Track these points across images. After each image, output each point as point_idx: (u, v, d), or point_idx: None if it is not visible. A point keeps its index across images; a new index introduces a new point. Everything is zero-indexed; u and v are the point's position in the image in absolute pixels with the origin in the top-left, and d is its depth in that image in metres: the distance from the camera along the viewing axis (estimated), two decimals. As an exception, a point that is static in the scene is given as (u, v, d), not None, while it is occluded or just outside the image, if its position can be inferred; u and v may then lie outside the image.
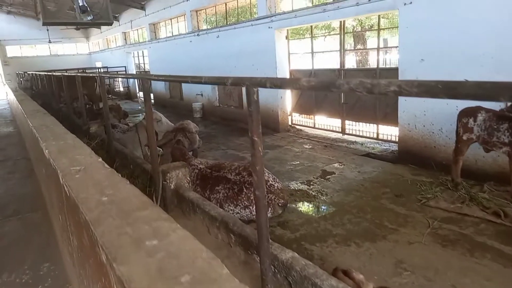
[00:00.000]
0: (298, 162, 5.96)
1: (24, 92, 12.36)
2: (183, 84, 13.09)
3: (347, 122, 7.47)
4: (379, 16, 6.48)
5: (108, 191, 1.85)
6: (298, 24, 7.67)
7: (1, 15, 23.39)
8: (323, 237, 3.52)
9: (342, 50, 7.26)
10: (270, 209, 3.90)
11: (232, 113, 10.55)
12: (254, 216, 3.95)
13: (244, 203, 3.84)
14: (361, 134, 7.22)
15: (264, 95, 8.95)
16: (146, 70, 17.38)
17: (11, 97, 13.02)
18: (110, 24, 9.23)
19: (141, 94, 18.69)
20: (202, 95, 11.92)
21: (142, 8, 15.21)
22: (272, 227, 3.80)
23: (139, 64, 18.59)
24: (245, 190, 3.84)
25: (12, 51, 24.46)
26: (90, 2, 8.88)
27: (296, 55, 8.88)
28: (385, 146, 6.74)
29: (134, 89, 18.95)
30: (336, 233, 3.59)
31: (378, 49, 6.53)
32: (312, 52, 8.11)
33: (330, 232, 3.61)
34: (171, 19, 14.16)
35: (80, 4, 8.48)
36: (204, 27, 12.20)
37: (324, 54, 8.81)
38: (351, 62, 11.89)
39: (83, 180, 2.11)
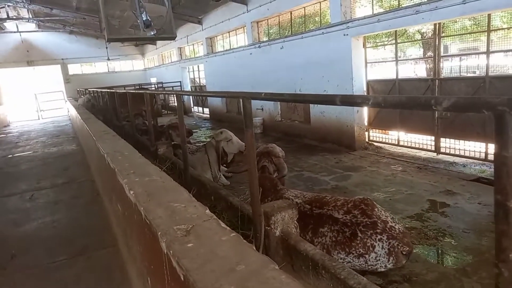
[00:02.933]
0: (394, 189, 5.03)
1: (85, 108, 12.44)
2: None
3: (442, 139, 6.42)
4: (489, 15, 5.43)
5: (257, 286, 1.14)
6: (381, 29, 6.81)
7: (64, 35, 24.62)
8: (478, 305, 2.60)
9: (437, 56, 6.27)
10: (392, 258, 3.04)
11: (296, 128, 9.78)
12: (369, 267, 3.10)
13: (359, 251, 3.02)
14: (461, 153, 6.13)
15: (337, 109, 8.10)
16: (202, 84, 17.18)
17: (73, 113, 13.22)
18: (173, 38, 8.89)
19: (195, 109, 18.54)
20: (262, 109, 11.30)
21: (199, 22, 15.03)
22: (397, 283, 2.93)
23: (194, 78, 18.48)
24: (359, 235, 3.01)
25: (73, 69, 25.61)
26: (153, 17, 8.62)
27: (377, 64, 7.97)
28: (495, 168, 5.62)
29: (190, 103, 18.84)
30: (493, 299, 2.66)
31: (488, 52, 5.46)
32: (397, 60, 7.17)
33: (484, 296, 2.69)
34: (229, 32, 13.80)
35: (144, 18, 8.21)
36: (265, 38, 11.64)
37: (406, 63, 7.81)
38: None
39: (202, 255, 1.36)
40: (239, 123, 11.87)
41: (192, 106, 18.88)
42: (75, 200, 5.27)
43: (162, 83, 21.14)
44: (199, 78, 17.80)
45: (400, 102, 1.30)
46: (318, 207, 3.25)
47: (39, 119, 21.19)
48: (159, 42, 21.84)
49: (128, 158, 3.23)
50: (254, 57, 11.51)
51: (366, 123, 7.88)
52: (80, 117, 8.45)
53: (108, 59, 24.93)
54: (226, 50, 13.83)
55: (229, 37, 14.19)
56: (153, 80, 24.46)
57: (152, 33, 8.92)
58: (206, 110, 16.64)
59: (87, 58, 25.35)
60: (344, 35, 7.58)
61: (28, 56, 23.85)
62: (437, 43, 6.26)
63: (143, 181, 2.40)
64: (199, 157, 5.90)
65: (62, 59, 24.78)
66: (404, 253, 3.02)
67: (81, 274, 3.24)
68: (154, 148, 5.68)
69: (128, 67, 27.06)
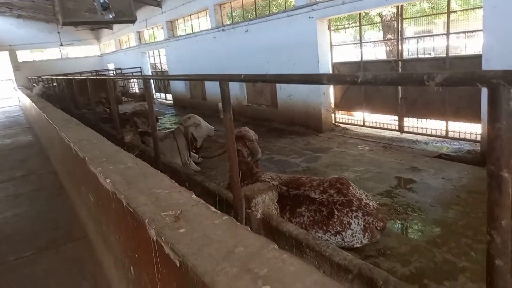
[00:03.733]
0: (363, 168, 5.18)
1: (41, 97, 11.71)
2: (206, 83, 12.36)
3: (405, 119, 6.66)
4: (449, -5, 5.61)
5: (260, 267, 1.13)
6: (347, 11, 6.86)
7: (11, 19, 22.91)
8: (450, 273, 2.75)
9: (400, 38, 6.43)
10: (367, 234, 3.14)
11: (264, 112, 9.78)
12: (346, 243, 3.18)
13: (336, 229, 3.09)
14: (423, 132, 6.40)
15: (304, 91, 8.17)
16: (163, 70, 16.68)
17: (27, 102, 12.42)
18: (134, 21, 8.49)
19: (157, 95, 18.03)
20: (228, 94, 11.16)
21: (158, 5, 14.49)
22: (373, 257, 3.04)
23: (155, 64, 17.90)
24: (336, 213, 3.08)
25: (22, 55, 23.98)
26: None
27: (339, 47, 8.06)
28: (455, 145, 5.92)
29: (152, 89, 18.27)
30: (463, 266, 2.81)
31: (448, 34, 5.67)
32: (361, 42, 7.29)
33: (454, 265, 2.84)
34: (190, 15, 13.41)
35: (101, 1, 7.77)
36: (228, 22, 11.43)
37: (365, 46, 7.91)
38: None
39: (196, 240, 1.34)
40: (203, 108, 11.75)
41: (153, 92, 18.33)
42: (37, 193, 4.99)
43: (120, 69, 20.31)
44: (160, 64, 17.27)
45: (392, 79, 1.30)
46: (295, 188, 3.28)
47: (-13, 109, 19.74)
48: (115, 26, 20.88)
49: (98, 146, 3.08)
50: (218, 41, 11.29)
51: (332, 105, 8.01)
52: (35, 106, 7.95)
53: (61, 45, 23.56)
54: (188, 34, 13.45)
55: (191, 20, 13.80)
56: (111, 66, 23.44)
57: (111, 16, 8.48)
58: (169, 96, 16.22)
59: (37, 44, 23.78)
60: (309, 17, 7.58)
61: (-29, 42, 22.03)
62: (399, 26, 6.42)
63: (119, 169, 2.30)
64: (168, 144, 5.76)
65: (10, 45, 23.08)
66: (378, 228, 3.12)
67: (51, 268, 3.09)
68: (120, 136, 5.45)
69: (82, 52, 25.73)
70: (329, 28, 7.74)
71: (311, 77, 1.74)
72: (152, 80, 18.24)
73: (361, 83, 1.36)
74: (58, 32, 23.41)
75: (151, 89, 3.27)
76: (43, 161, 6.65)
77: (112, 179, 2.09)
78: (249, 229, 1.40)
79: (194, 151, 6.03)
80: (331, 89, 7.98)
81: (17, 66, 23.52)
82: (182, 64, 13.69)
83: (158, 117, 7.75)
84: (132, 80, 20.05)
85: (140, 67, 18.06)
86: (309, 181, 3.29)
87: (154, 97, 18.29)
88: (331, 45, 7.82)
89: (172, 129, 6.17)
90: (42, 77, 15.36)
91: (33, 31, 23.58)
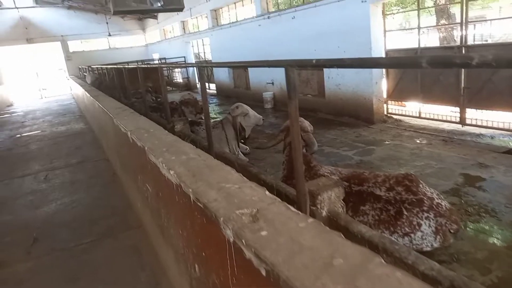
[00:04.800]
0: (423, 163, 4.83)
1: (92, 86, 12.13)
2: (250, 72, 12.24)
3: (467, 110, 6.15)
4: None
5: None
6: (405, -6, 6.41)
7: (63, 11, 23.93)
8: (539, 285, 2.45)
9: (464, 22, 5.91)
10: (439, 237, 2.87)
11: (310, 102, 9.50)
12: (414, 246, 2.93)
13: (405, 230, 2.85)
14: (488, 125, 5.88)
15: (354, 81, 7.81)
16: (207, 59, 16.75)
17: (79, 91, 12.93)
18: (181, 9, 8.55)
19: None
20: (273, 83, 10.97)
21: (203, -7, 14.49)
22: (446, 263, 2.78)
23: (198, 53, 18.02)
24: (405, 213, 2.84)
25: (73, 46, 25.04)
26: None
27: (392, 33, 7.59)
28: (525, 140, 5.40)
29: (194, 79, 18.46)
30: (553, 278, 2.50)
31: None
32: (419, 28, 6.80)
33: (543, 276, 2.53)
34: (235, 3, 13.29)
35: (150, -11, 7.83)
36: (274, 8, 11.18)
37: (416, 32, 7.35)
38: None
39: (284, 246, 1.18)
40: (247, 98, 11.63)
41: (197, 81, 18.49)
42: (93, 180, 5.13)
43: (165, 58, 20.66)
44: (204, 53, 17.34)
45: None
46: (357, 184, 3.06)
47: (42, 98, 20.91)
48: (160, 16, 21.21)
49: (155, 135, 3.02)
50: (263, 29, 11.08)
51: (384, 95, 7.59)
52: (88, 95, 8.20)
53: (109, 35, 24.39)
54: (233, 23, 13.34)
55: (236, 8, 13.68)
56: (155, 56, 23.94)
57: (159, 5, 8.56)
58: (212, 86, 16.28)
59: (87, 35, 24.72)
60: (362, 1, 7.18)
61: (27, 33, 23.26)
62: (464, 9, 5.89)
63: (181, 160, 2.21)
64: (216, 134, 5.69)
65: (62, 35, 24.17)
66: (452, 231, 2.85)
67: (110, 256, 3.11)
68: (170, 126, 5.45)
69: (129, 43, 26.44)
70: (383, 13, 7.30)
71: (407, 60, 1.53)
72: (196, 69, 18.41)
73: (477, 66, 1.12)
74: (107, 23, 24.22)
75: (205, 78, 3.14)
76: (96, 148, 6.85)
77: (176, 171, 2.00)
78: (342, 236, 1.24)
79: (242, 141, 5.93)
80: (383, 78, 7.56)
81: (68, 56, 24.63)
82: (225, 52, 13.64)
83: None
84: (175, 70, 20.36)
85: (184, 57, 18.25)
86: (373, 177, 3.06)
87: (198, 86, 18.47)
88: (385, 31, 7.37)
89: (220, 119, 6.10)
90: (92, 66, 15.93)
91: (83, 22, 24.50)
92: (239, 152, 5.77)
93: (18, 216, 4.08)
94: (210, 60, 16.17)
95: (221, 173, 1.89)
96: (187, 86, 18.52)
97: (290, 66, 2.24)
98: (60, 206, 4.28)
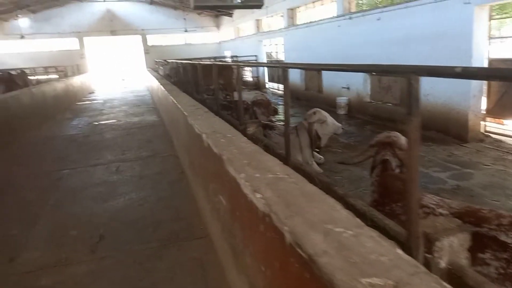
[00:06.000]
0: (537, 197, 4.01)
1: (166, 79, 12.41)
2: (324, 75, 11.68)
3: None
4: None
5: None
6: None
7: (145, 6, 25.20)
8: None
9: None
10: None
11: (389, 111, 8.73)
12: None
13: (535, 290, 2.22)
14: None
15: (446, 92, 6.94)
16: (279, 59, 16.45)
17: (154, 84, 13.34)
18: (260, 6, 8.30)
19: (271, 84, 17.93)
20: (348, 88, 10.32)
21: (281, -8, 14.19)
22: None
23: (270, 53, 17.79)
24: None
25: (151, 40, 26.27)
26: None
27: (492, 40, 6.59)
28: None
29: (264, 79, 18.29)
30: None
31: None
32: (537, 35, 5.80)
33: None
34: (314, 3, 12.79)
35: (232, -15, 7.66)
36: (356, 9, 10.51)
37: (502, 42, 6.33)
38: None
39: None
40: (318, 102, 11.07)
41: (267, 81, 18.30)
42: (160, 177, 5.01)
43: (236, 56, 20.77)
44: (276, 53, 17.07)
45: None
46: (474, 224, 2.45)
47: (120, 88, 22.15)
48: (235, 14, 21.39)
49: (233, 141, 2.70)
50: (342, 30, 10.47)
51: (482, 111, 6.63)
52: (163, 88, 8.27)
53: (186, 31, 25.21)
54: (310, 23, 12.86)
55: (314, 8, 13.18)
56: (227, 53, 24.23)
57: (239, 1, 8.39)
58: (282, 87, 15.96)
59: (165, 29, 25.79)
60: (464, 3, 6.32)
61: (112, 25, 24.85)
62: None
63: (268, 179, 1.83)
64: (290, 139, 5.29)
65: (142, 29, 25.48)
66: None
67: (173, 267, 2.85)
68: (243, 127, 5.17)
69: (203, 39, 27.11)
70: (490, 16, 6.36)
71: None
72: (265, 69, 18.22)
73: None
74: (184, 19, 25.08)
75: (288, 80, 2.77)
76: (166, 143, 6.83)
77: (264, 195, 1.63)
78: None
79: (317, 150, 5.47)
80: (484, 91, 6.60)
81: (147, 50, 25.91)
82: (300, 53, 13.21)
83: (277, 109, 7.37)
84: (246, 68, 20.37)
85: (256, 56, 18.14)
86: (495, 217, 2.44)
87: (266, 86, 18.27)
88: (490, 37, 6.42)
89: (294, 125, 5.69)
90: (167, 60, 16.42)
91: (162, 17, 25.61)
92: (313, 162, 5.32)
93: (87, 209, 4.04)
94: (282, 60, 15.85)
95: (323, 206, 1.48)
96: (256, 85, 18.39)
97: (416, 73, 1.75)
98: (127, 202, 4.18)
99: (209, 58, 19.90)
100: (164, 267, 2.85)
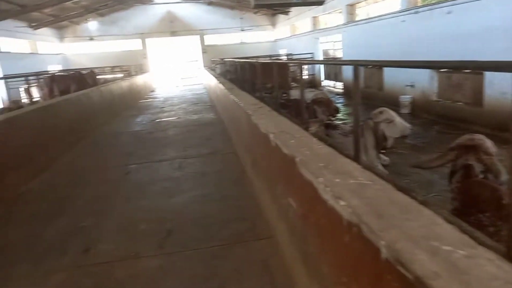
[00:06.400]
0: None
1: (223, 78, 12.61)
2: (385, 72, 11.17)
3: None
4: None
5: None
6: None
7: (203, 6, 25.88)
8: None
9: None
10: None
11: (460, 111, 8.12)
12: None
13: None
14: None
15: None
16: (336, 56, 16.05)
17: (211, 82, 13.63)
18: (321, 3, 8.10)
19: (327, 82, 17.56)
20: (413, 86, 9.77)
21: (341, -13, 13.80)
22: None
23: (327, 50, 17.41)
24: None
25: (208, 39, 26.93)
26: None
27: None
28: None
29: (319, 76, 17.96)
30: None
31: None
32: None
33: None
34: (376, -3, 12.30)
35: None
36: (422, 3, 9.90)
37: None
38: None
39: None
40: (378, 100, 10.59)
41: (322, 79, 17.95)
42: (222, 174, 5.06)
43: (292, 54, 20.61)
44: (333, 50, 16.66)
45: None
46: None
47: (178, 86, 22.96)
48: (292, 12, 21.20)
49: (304, 142, 2.61)
50: (406, 25, 9.93)
51: None
52: (222, 87, 8.39)
53: (242, 30, 25.50)
54: (370, 18, 12.38)
55: (375, 3, 12.65)
56: (282, 51, 24.12)
57: (300, -2, 8.25)
58: (339, 85, 15.54)
59: (221, 29, 26.29)
60: (555, -9, 5.68)
61: (172, 27, 25.83)
62: None
63: (349, 185, 1.72)
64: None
65: (200, 30, 26.20)
66: None
67: (239, 268, 2.83)
68: (304, 126, 5.05)
69: (258, 38, 27.24)
70: None
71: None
72: (321, 66, 17.88)
73: None
74: (241, 18, 25.40)
75: (359, 77, 2.62)
76: (225, 141, 6.90)
77: (349, 203, 1.52)
78: None
79: (383, 151, 5.21)
80: None
81: (204, 49, 26.61)
82: (359, 49, 12.77)
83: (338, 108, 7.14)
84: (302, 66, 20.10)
85: (312, 53, 17.86)
86: None
87: (322, 84, 17.93)
88: None
89: (361, 124, 5.46)
90: (224, 59, 16.69)
91: (219, 17, 26.14)
92: (378, 163, 5.08)
93: (154, 203, 4.17)
94: (339, 58, 15.44)
95: (420, 219, 1.34)
96: (312, 83, 18.11)
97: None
98: (192, 198, 4.26)
99: (264, 56, 19.93)
100: (231, 268, 2.84)
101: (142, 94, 17.38)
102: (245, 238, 3.26)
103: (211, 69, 19.09)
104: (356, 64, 3.19)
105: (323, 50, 17.73)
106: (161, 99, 15.90)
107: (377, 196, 1.56)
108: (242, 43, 26.84)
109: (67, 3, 17.58)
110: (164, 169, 5.42)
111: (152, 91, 20.44)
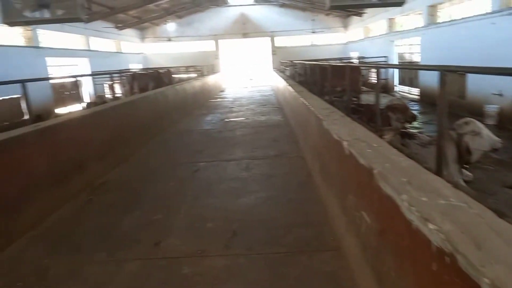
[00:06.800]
0: None
1: (292, 80, 12.54)
2: (469, 79, 10.26)
3: None
4: None
5: None
6: None
7: (275, 8, 26.06)
8: None
9: None
10: None
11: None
12: None
13: None
14: None
15: None
16: (413, 60, 15.15)
17: (280, 84, 13.63)
18: (401, 4, 7.67)
19: (400, 87, 16.66)
20: (501, 95, 8.85)
21: (422, -13, 12.98)
22: None
23: (403, 53, 16.51)
24: None
25: (278, 41, 27.06)
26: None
27: None
28: None
29: (392, 81, 17.09)
30: None
31: None
32: None
33: None
34: (462, -3, 11.37)
35: (372, -18, 7.24)
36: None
37: None
38: None
39: None
40: (458, 108, 9.75)
41: (396, 84, 17.05)
42: (288, 178, 5.00)
43: (364, 57, 19.89)
44: (410, 53, 15.74)
45: None
46: None
47: (247, 87, 23.36)
48: (366, 14, 20.46)
49: (382, 153, 2.44)
50: (497, 28, 9.01)
51: None
52: (291, 89, 8.33)
53: (313, 32, 25.25)
54: (454, 20, 11.47)
55: (460, 3, 11.70)
56: (353, 54, 23.41)
57: (378, -1, 7.90)
58: (415, 90, 14.63)
59: (292, 31, 26.27)
60: None
61: (244, 28, 26.40)
62: None
63: (439, 206, 1.55)
64: (432, 152, 4.71)
65: (271, 31, 26.43)
66: None
67: (305, 278, 2.74)
68: (378, 134, 4.80)
69: (328, 40, 26.74)
70: None
71: None
72: (395, 71, 16.99)
73: None
74: (312, 20, 25.15)
75: (445, 84, 2.40)
76: (292, 143, 6.83)
77: (440, 227, 1.37)
78: None
79: (467, 166, 4.77)
80: None
81: (274, 51, 26.80)
82: (440, 53, 11.92)
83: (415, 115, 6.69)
84: (372, 69, 19.33)
85: (385, 57, 17.07)
86: None
87: (395, 89, 17.05)
88: None
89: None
90: (293, 61, 16.61)
91: (290, 19, 26.15)
92: (460, 179, 4.64)
93: (221, 202, 4.24)
94: (417, 62, 14.55)
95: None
96: (384, 88, 17.28)
97: None
98: (258, 200, 4.25)
99: (334, 59, 19.50)
100: (296, 276, 2.76)
101: (212, 93, 17.97)
102: (311, 247, 3.16)
103: (280, 71, 19.12)
104: (444, 70, 2.93)
105: (398, 53, 16.85)
106: (230, 99, 16.30)
107: (474, 222, 1.39)
108: (312, 45, 26.57)
109: (150, 5, 18.79)
110: (231, 169, 5.50)
111: (222, 91, 21.05)
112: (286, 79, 12.33)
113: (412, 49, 15.43)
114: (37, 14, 7.11)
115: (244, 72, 26.91)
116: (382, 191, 1.95)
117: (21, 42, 13.95)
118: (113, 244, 3.34)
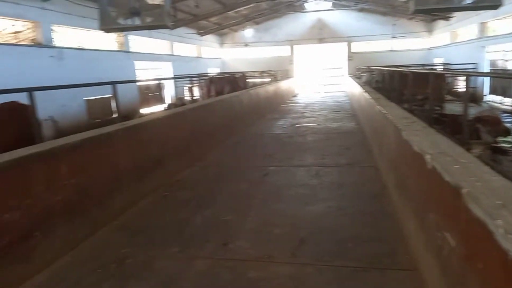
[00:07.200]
0: None
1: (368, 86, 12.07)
2: None
3: None
4: None
5: None
6: None
7: (353, 13, 25.40)
8: None
9: None
10: None
11: None
12: None
13: None
14: None
15: None
16: (508, 68, 13.69)
17: (355, 91, 13.21)
18: (497, 6, 6.95)
19: (491, 97, 15.17)
20: None
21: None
22: None
23: (495, 61, 15.00)
24: None
25: (355, 46, 26.31)
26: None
27: None
28: None
29: (482, 90, 15.60)
30: None
31: None
32: None
33: None
34: None
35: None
36: None
37: None
38: None
39: None
40: None
41: (486, 94, 15.54)
42: (359, 188, 4.79)
43: (449, 64, 18.49)
44: (504, 60, 14.25)
45: None
46: None
47: (320, 92, 23.05)
48: (455, 17, 18.98)
49: (471, 170, 2.21)
50: None
51: None
52: (367, 96, 8.01)
53: (393, 37, 24.10)
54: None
55: None
56: (437, 60, 21.86)
57: (470, 1, 7.28)
58: (508, 101, 13.20)
59: (370, 36, 25.38)
60: None
61: (320, 34, 26.14)
62: None
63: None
64: (530, 171, 4.19)
65: (348, 36, 25.80)
66: None
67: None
68: (465, 148, 4.39)
69: (409, 45, 25.31)
70: None
71: None
72: (486, 79, 15.50)
73: None
74: (393, 25, 24.03)
75: None
76: (365, 152, 6.56)
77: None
78: None
79: None
80: None
81: (350, 56, 26.13)
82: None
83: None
84: (459, 77, 17.84)
85: (475, 63, 15.66)
86: None
87: (484, 99, 15.55)
88: None
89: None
90: (371, 67, 16.00)
91: (368, 24, 25.26)
92: None
93: (289, 208, 4.20)
94: (509, 69, 13.12)
95: None
96: (473, 97, 15.86)
97: None
98: (327, 209, 4.14)
99: (415, 65, 18.42)
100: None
101: (285, 98, 18.05)
102: (384, 264, 2.98)
103: (356, 77, 18.55)
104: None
105: (490, 60, 15.35)
106: (302, 104, 16.21)
107: None
108: (391, 50, 25.38)
109: (230, 12, 19.51)
110: (301, 175, 5.44)
111: (294, 96, 21.03)
112: (362, 85, 11.90)
113: (507, 56, 13.94)
114: (129, 22, 7.79)
115: (318, 78, 26.60)
116: (471, 214, 1.76)
117: (114, 47, 15.38)
118: (184, 241, 3.48)
